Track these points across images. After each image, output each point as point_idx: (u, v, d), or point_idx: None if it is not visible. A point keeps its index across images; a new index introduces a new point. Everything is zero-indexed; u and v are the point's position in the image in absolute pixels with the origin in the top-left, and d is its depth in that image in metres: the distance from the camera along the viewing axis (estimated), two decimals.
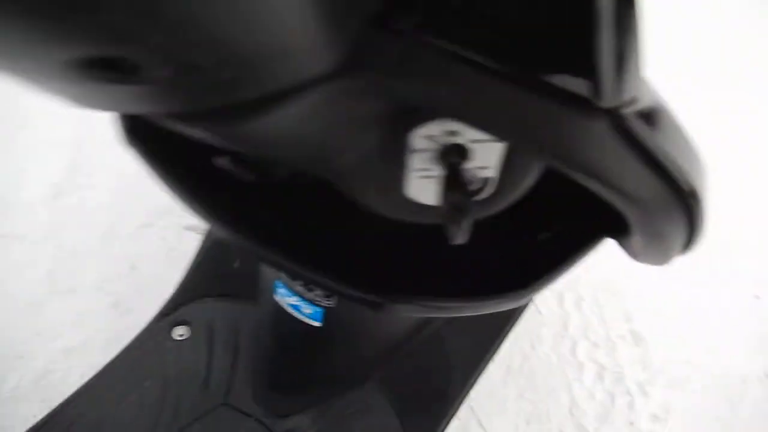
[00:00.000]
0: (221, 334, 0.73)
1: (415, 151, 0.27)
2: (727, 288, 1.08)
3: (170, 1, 0.11)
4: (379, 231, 0.35)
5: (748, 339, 1.03)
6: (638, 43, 0.20)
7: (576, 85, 0.18)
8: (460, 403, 0.75)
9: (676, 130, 0.24)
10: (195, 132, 0.21)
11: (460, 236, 0.25)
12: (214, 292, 0.76)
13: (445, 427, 0.74)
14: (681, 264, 1.07)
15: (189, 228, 1.04)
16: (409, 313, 0.36)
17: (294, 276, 0.34)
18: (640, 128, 0.20)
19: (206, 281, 0.76)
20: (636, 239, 0.31)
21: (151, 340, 0.72)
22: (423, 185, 0.29)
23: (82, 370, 0.86)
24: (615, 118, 0.20)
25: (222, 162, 0.33)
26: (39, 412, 0.79)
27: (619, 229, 0.35)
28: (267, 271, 0.62)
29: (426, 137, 0.26)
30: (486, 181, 0.29)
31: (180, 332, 0.73)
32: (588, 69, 0.18)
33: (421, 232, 0.33)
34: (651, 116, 0.22)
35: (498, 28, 0.18)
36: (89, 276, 0.97)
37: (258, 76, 0.16)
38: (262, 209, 0.37)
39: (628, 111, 0.20)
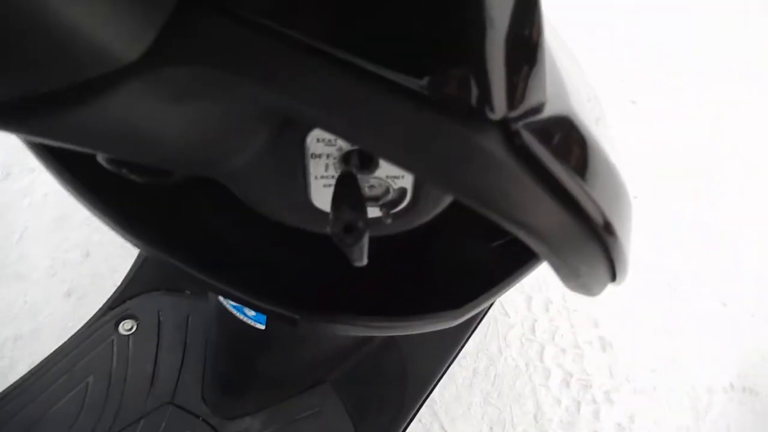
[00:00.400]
0: (169, 329, 0.71)
1: (313, 155, 0.25)
2: (695, 295, 1.07)
3: None
4: (291, 241, 0.33)
5: (714, 348, 1.02)
6: (542, 43, 0.18)
7: (461, 92, 0.16)
8: (418, 408, 0.73)
9: (592, 150, 0.22)
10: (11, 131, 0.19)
11: (358, 258, 0.23)
12: (164, 285, 0.74)
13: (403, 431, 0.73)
14: (649, 271, 1.07)
15: None
16: (332, 331, 0.34)
17: (203, 286, 0.32)
18: (539, 146, 0.18)
19: (156, 273, 0.74)
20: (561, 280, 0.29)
21: (95, 333, 0.70)
22: (329, 193, 0.27)
23: (31, 359, 0.84)
24: (508, 132, 0.17)
25: (100, 160, 0.30)
26: None
27: None
28: None
29: (323, 140, 0.24)
30: (402, 191, 0.27)
31: (127, 326, 0.71)
32: (475, 74, 0.16)
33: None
34: (556, 131, 0.19)
35: (355, 16, 0.15)
36: (41, 262, 0.95)
37: (60, 61, 0.13)
38: (165, 213, 0.35)
39: (525, 123, 0.17)
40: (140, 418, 0.68)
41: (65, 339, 0.76)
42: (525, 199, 0.18)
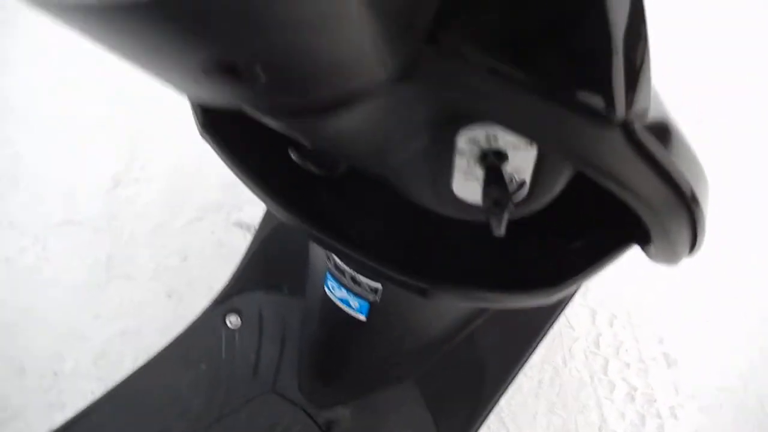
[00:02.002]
0: (270, 324, 0.83)
1: (460, 152, 0.35)
2: (763, 314, 1.12)
3: (275, 31, 0.19)
4: (428, 223, 0.44)
5: None
6: (647, 65, 0.28)
7: (594, 101, 0.26)
8: (492, 406, 0.82)
9: (681, 143, 0.31)
10: (279, 125, 0.30)
11: (499, 228, 0.33)
12: (264, 284, 0.86)
13: (478, 428, 0.82)
14: (714, 287, 1.13)
15: (236, 224, 1.14)
16: (451, 300, 0.44)
17: (349, 261, 0.43)
18: (648, 140, 0.28)
19: (257, 273, 0.86)
20: (653, 244, 0.39)
21: (206, 325, 0.82)
22: (468, 185, 0.37)
23: (136, 353, 0.98)
24: (627, 130, 0.27)
25: (293, 155, 0.42)
26: (96, 389, 0.90)
27: (641, 238, 0.43)
28: (318, 266, 0.72)
29: (469, 140, 0.34)
30: (522, 183, 0.37)
31: (232, 320, 0.83)
32: (604, 89, 0.26)
33: (467, 227, 0.41)
34: (659, 129, 0.29)
35: (528, 47, 0.26)
36: (144, 265, 1.09)
37: (332, 81, 0.24)
38: (323, 198, 0.47)
39: (638, 124, 0.27)
40: (245, 404, 0.80)
41: (166, 335, 0.88)
42: (638, 175, 0.29)
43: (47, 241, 1.10)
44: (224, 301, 0.84)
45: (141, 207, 1.13)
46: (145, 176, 1.15)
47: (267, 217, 0.92)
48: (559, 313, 0.91)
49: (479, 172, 0.36)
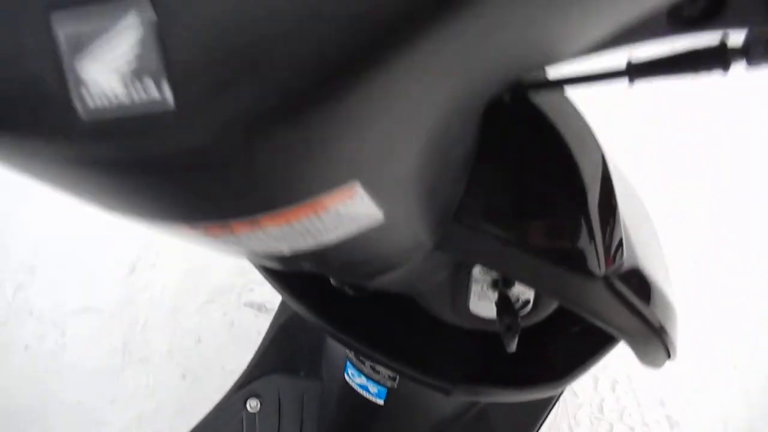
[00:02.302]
0: (288, 406, 0.87)
1: (475, 280, 0.42)
2: (762, 375, 1.18)
3: (358, 265, 0.26)
4: (445, 329, 0.50)
5: None
6: (619, 232, 0.35)
7: (580, 262, 0.33)
8: None
9: (651, 285, 0.39)
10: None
11: (512, 345, 0.39)
12: (282, 368, 0.91)
13: None
14: (713, 350, 1.18)
15: (247, 304, 1.20)
16: (470, 399, 0.50)
17: (383, 366, 0.49)
18: (623, 288, 0.35)
19: (275, 358, 0.91)
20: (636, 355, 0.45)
21: (227, 410, 0.87)
22: (482, 304, 0.44)
23: None
24: (607, 282, 0.34)
25: (332, 281, 0.48)
26: None
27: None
28: (336, 352, 0.77)
29: (483, 271, 0.41)
30: (527, 301, 0.44)
31: (253, 404, 0.87)
32: (587, 253, 0.33)
33: (482, 334, 0.48)
34: (632, 276, 0.36)
35: (529, 226, 0.33)
36: (160, 347, 1.13)
37: (383, 267, 0.31)
38: (347, 303, 0.53)
39: (615, 276, 0.35)
40: None
41: (182, 417, 0.93)
42: (616, 315, 0.36)
43: (66, 327, 1.15)
44: (244, 386, 0.89)
45: (156, 292, 1.19)
46: (160, 262, 1.21)
47: (284, 305, 0.98)
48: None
49: (492, 294, 0.43)
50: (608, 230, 0.34)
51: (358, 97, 0.13)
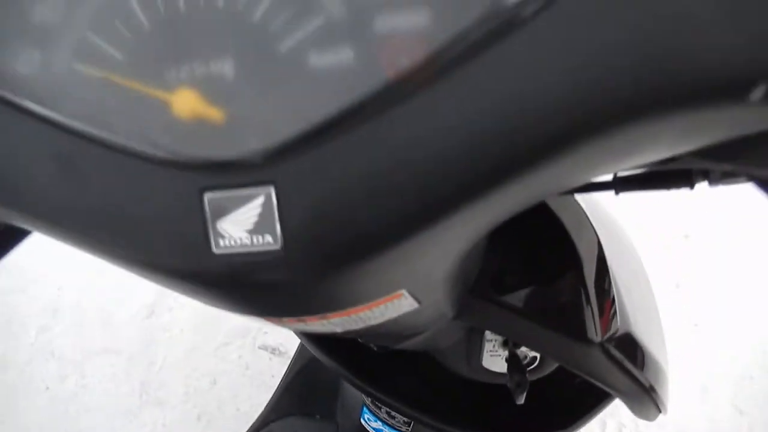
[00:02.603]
0: None
1: (488, 339, 0.47)
2: (764, 419, 1.21)
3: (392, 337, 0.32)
4: (462, 382, 0.55)
5: None
6: (615, 305, 0.40)
7: (579, 332, 0.38)
8: None
9: (642, 349, 0.44)
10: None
11: (520, 399, 0.44)
12: (298, 410, 0.95)
13: None
14: (716, 394, 1.21)
15: (262, 347, 1.24)
16: None
17: (398, 412, 0.54)
18: (617, 353, 0.40)
19: (292, 401, 0.96)
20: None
21: None
22: (494, 360, 0.49)
23: None
24: (603, 348, 0.39)
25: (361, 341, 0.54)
26: None
27: None
28: (352, 398, 0.82)
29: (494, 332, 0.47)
30: (534, 357, 0.49)
31: None
32: (585, 324, 0.39)
33: (492, 387, 0.52)
34: (626, 341, 0.41)
35: (536, 300, 0.38)
36: (176, 388, 1.18)
37: (409, 335, 0.36)
38: (366, 353, 0.58)
39: (610, 342, 0.40)
40: None
41: None
42: (611, 376, 0.41)
43: (85, 368, 1.20)
44: (261, 429, 0.93)
45: (173, 334, 1.24)
46: (177, 305, 1.26)
47: (302, 351, 1.02)
48: None
49: (502, 352, 0.48)
50: (604, 302, 0.39)
51: (416, 247, 0.19)
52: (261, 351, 1.24)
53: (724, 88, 0.15)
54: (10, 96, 0.20)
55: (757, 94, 0.15)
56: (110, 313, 1.25)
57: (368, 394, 0.59)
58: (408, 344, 0.42)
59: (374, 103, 0.17)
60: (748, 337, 1.29)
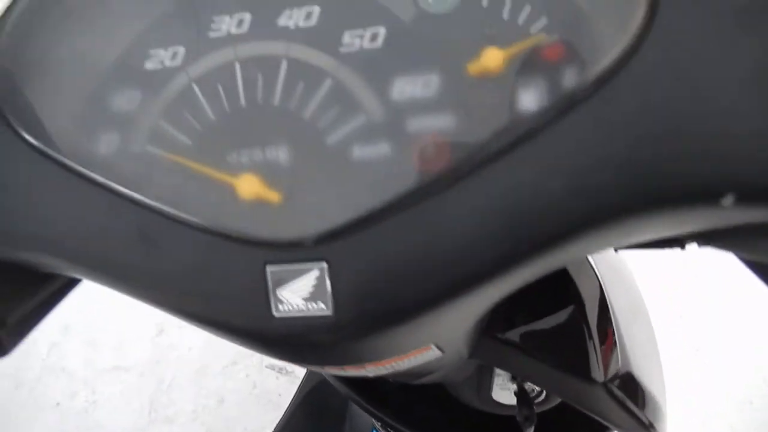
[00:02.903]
0: None
1: (497, 374, 0.50)
2: None
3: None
4: (471, 411, 0.58)
5: None
6: (616, 347, 0.44)
7: (585, 370, 0.41)
8: None
9: (642, 387, 0.47)
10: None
11: (529, 430, 0.47)
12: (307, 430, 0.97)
13: None
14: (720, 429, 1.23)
15: (269, 366, 1.27)
16: None
17: None
18: (619, 392, 0.43)
19: (300, 422, 0.98)
20: None
21: None
22: (503, 393, 0.52)
23: None
24: (606, 387, 0.42)
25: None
26: None
27: None
28: (361, 422, 0.84)
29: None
30: (540, 391, 0.52)
31: None
32: (589, 366, 0.42)
33: (501, 418, 0.55)
34: (627, 380, 0.44)
35: (543, 341, 0.41)
36: (184, 406, 1.20)
37: (427, 374, 0.39)
38: (387, 389, 0.61)
39: (613, 382, 0.43)
40: None
41: None
42: (612, 413, 0.44)
43: (96, 385, 1.22)
44: None
45: (182, 353, 1.26)
46: (186, 324, 1.28)
47: (310, 373, 1.05)
48: None
49: (511, 385, 0.51)
50: (606, 344, 0.42)
51: (446, 313, 0.22)
52: (268, 370, 1.26)
53: (699, 194, 0.18)
54: (90, 173, 0.23)
55: (726, 201, 0.18)
56: (120, 332, 1.28)
57: (378, 419, 0.62)
58: (423, 380, 0.44)
59: (408, 197, 0.20)
60: (749, 362, 1.31)
